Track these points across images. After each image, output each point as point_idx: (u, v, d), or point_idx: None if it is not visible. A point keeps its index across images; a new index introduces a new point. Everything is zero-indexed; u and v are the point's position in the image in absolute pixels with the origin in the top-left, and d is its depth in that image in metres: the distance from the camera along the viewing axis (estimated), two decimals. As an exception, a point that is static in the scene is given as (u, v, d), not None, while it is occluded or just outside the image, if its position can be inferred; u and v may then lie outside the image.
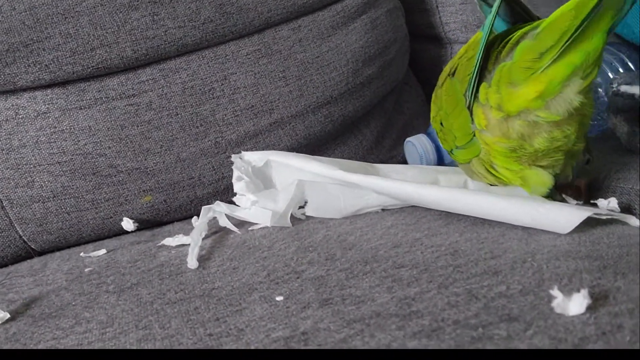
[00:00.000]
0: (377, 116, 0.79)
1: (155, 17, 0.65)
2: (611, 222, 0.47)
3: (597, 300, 0.33)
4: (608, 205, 0.55)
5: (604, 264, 0.38)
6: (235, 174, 0.60)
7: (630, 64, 0.76)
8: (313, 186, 0.56)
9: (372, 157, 0.79)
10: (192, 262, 0.51)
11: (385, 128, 0.80)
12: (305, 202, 0.57)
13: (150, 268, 0.53)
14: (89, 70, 0.64)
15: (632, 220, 0.46)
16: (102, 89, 0.65)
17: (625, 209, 0.59)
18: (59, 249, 0.65)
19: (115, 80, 0.65)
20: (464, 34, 0.87)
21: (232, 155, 0.62)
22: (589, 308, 0.32)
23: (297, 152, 0.72)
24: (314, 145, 0.74)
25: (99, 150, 0.65)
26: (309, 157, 0.60)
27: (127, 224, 0.65)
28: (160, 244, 0.58)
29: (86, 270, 0.54)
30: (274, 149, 0.70)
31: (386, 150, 0.80)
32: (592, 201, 0.57)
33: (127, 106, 0.65)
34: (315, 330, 0.35)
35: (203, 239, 0.57)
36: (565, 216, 0.43)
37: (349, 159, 0.77)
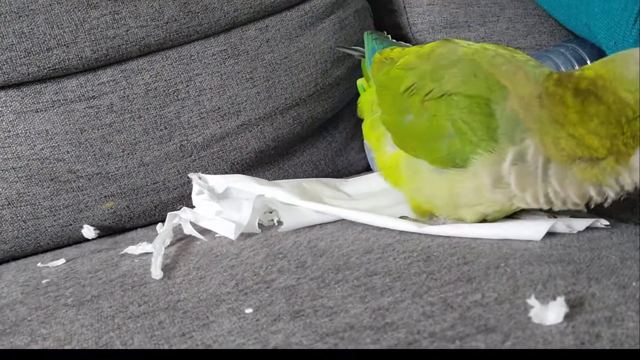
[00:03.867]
0: (346, 118, 0.78)
1: (116, 15, 0.62)
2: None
3: (574, 308, 0.33)
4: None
5: (577, 268, 0.38)
6: (196, 188, 0.58)
7: (589, 63, 0.77)
8: (283, 206, 0.55)
9: (341, 159, 0.78)
10: (156, 272, 0.49)
11: (355, 130, 0.79)
12: (272, 211, 0.56)
13: (112, 279, 0.50)
14: (45, 71, 0.61)
15: (601, 221, 0.46)
16: (60, 91, 0.62)
17: (592, 209, 0.59)
18: (15, 259, 0.62)
19: (73, 82, 0.62)
20: (431, 35, 0.86)
21: (190, 174, 0.60)
22: (566, 316, 0.32)
23: (266, 154, 0.71)
24: (282, 148, 0.72)
25: (56, 155, 0.62)
26: (272, 184, 0.59)
27: (88, 232, 0.62)
28: (122, 252, 0.55)
29: (43, 281, 0.52)
30: (242, 151, 0.69)
31: (355, 152, 0.79)
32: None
33: (86, 109, 0.62)
34: (286, 345, 0.34)
35: (168, 246, 0.55)
36: (532, 228, 0.43)
37: (319, 160, 0.76)
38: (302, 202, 0.55)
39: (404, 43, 0.60)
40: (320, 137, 0.76)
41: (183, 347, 0.36)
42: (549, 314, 0.31)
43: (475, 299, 0.35)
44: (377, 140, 0.53)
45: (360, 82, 0.64)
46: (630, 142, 0.39)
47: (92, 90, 0.63)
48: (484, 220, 0.47)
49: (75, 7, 0.61)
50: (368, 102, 0.56)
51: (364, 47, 0.63)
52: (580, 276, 0.37)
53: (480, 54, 0.46)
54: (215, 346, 0.35)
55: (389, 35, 0.66)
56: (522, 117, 0.41)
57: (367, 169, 0.80)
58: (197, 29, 0.66)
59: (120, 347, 0.37)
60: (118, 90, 0.63)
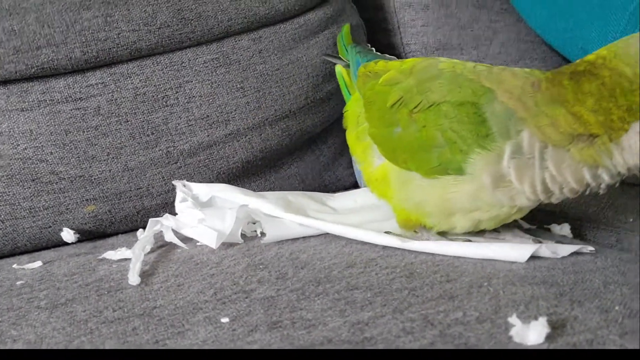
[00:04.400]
0: (335, 133, 0.78)
1: (108, 18, 0.62)
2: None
3: (555, 330, 0.32)
4: (561, 230, 0.55)
5: (560, 290, 0.37)
6: (179, 196, 0.58)
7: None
8: (267, 218, 0.54)
9: (328, 173, 0.78)
10: (133, 278, 0.48)
11: (344, 145, 0.79)
12: (256, 222, 0.55)
13: (88, 283, 0.49)
14: (33, 70, 0.60)
15: (587, 248, 0.46)
16: (47, 91, 0.61)
17: (577, 235, 0.59)
18: (-9, 259, 0.60)
19: (61, 82, 0.62)
20: (424, 56, 0.87)
21: (175, 181, 0.59)
22: (548, 337, 0.31)
23: (253, 165, 0.70)
24: (270, 159, 0.71)
25: (40, 156, 0.61)
26: (257, 195, 0.58)
27: (67, 235, 0.61)
28: (101, 257, 0.54)
29: (18, 283, 0.50)
30: (229, 161, 0.68)
31: (343, 167, 0.79)
32: (545, 226, 0.57)
33: (73, 110, 0.62)
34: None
35: (148, 253, 0.54)
36: (516, 251, 0.43)
37: (306, 174, 0.75)
38: (286, 215, 0.55)
39: (388, 56, 0.61)
40: (309, 150, 0.76)
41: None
42: (530, 333, 0.31)
43: (457, 317, 0.34)
44: (364, 152, 0.52)
45: (339, 68, 0.65)
46: (626, 117, 0.38)
47: (80, 92, 0.62)
48: (479, 232, 0.47)
49: (68, 8, 0.60)
50: (354, 114, 0.56)
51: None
52: (563, 298, 0.36)
53: (460, 66, 0.46)
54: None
55: (373, 48, 0.67)
56: (514, 110, 0.41)
57: (355, 185, 0.80)
58: (190, 36, 0.66)
59: (91, 352, 0.36)
60: (106, 93, 0.63)
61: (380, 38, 0.88)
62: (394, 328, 0.34)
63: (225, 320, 0.38)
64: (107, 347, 0.37)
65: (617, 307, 0.34)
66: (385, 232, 0.50)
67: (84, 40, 0.61)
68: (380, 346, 0.32)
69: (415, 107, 0.45)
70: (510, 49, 0.86)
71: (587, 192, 0.43)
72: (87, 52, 0.61)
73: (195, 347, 0.35)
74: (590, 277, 0.40)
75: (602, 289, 0.37)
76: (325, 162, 0.77)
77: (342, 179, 0.79)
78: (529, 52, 0.86)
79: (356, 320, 0.35)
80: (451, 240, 0.49)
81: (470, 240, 0.48)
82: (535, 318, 0.32)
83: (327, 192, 0.72)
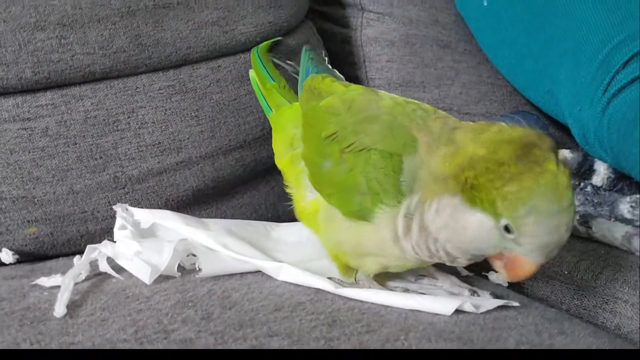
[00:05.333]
0: (293, 164, 0.79)
1: (62, 40, 0.62)
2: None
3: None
4: (497, 279, 0.56)
5: (472, 347, 0.38)
6: (119, 222, 0.57)
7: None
8: (205, 253, 0.54)
9: (282, 205, 0.77)
10: (59, 310, 0.47)
11: (300, 176, 0.79)
12: (195, 254, 0.55)
13: (14, 311, 0.48)
14: (-20, 88, 0.60)
15: (512, 303, 0.47)
16: (-5, 109, 0.61)
17: (514, 284, 0.60)
18: None
19: (10, 102, 0.61)
20: (387, 91, 0.88)
21: (115, 206, 0.58)
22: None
23: (204, 193, 0.70)
24: (222, 188, 0.71)
25: (-18, 174, 0.60)
26: (199, 224, 0.57)
27: (6, 256, 0.60)
28: (33, 282, 0.54)
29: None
30: (179, 189, 0.68)
31: (298, 199, 0.79)
32: (483, 273, 0.57)
33: (20, 130, 0.61)
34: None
35: (83, 281, 0.53)
36: (442, 304, 0.43)
37: (259, 204, 0.75)
38: (224, 250, 0.55)
39: (337, 72, 0.59)
40: (264, 180, 0.76)
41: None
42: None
43: (362, 374, 0.35)
44: (297, 180, 0.52)
45: (252, 74, 0.64)
46: (476, 184, 0.37)
47: (29, 112, 0.62)
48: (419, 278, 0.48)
49: (22, 28, 0.60)
50: (289, 133, 0.55)
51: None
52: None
53: (400, 107, 0.46)
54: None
55: (326, 58, 0.66)
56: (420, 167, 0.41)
57: (308, 216, 0.80)
58: (146, 62, 0.66)
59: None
60: (56, 115, 0.62)
61: (345, 70, 0.89)
62: (299, 383, 0.34)
63: (136, 363, 0.38)
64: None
65: (520, 372, 0.35)
66: (329, 278, 0.50)
67: (35, 61, 0.61)
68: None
69: (347, 147, 0.45)
70: (471, 90, 0.88)
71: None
72: (39, 72, 0.61)
73: (98, 392, 0.34)
74: (506, 335, 0.40)
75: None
76: (279, 193, 0.77)
77: (296, 210, 0.79)
78: (488, 94, 0.88)
79: (264, 372, 0.35)
80: (389, 289, 0.49)
81: (408, 290, 0.49)
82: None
83: (281, 222, 0.72)
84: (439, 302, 0.44)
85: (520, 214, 0.36)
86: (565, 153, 0.73)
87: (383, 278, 0.52)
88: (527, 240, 0.37)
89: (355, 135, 0.45)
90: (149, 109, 0.66)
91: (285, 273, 0.51)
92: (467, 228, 0.39)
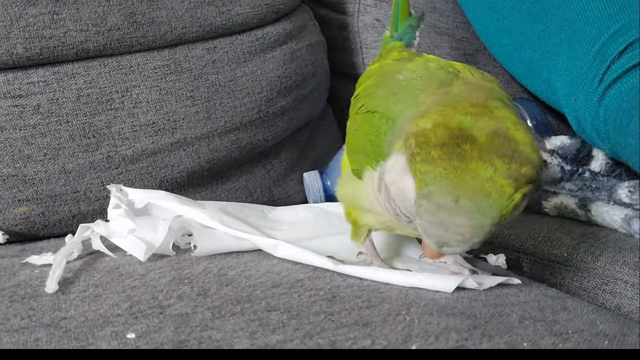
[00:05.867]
0: (289, 149, 0.78)
1: (55, 16, 0.60)
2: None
3: (457, 364, 0.32)
4: (496, 260, 0.55)
5: (475, 323, 0.37)
6: (113, 201, 0.56)
7: (529, 122, 0.79)
8: (200, 230, 0.53)
9: (278, 189, 0.77)
10: (50, 286, 0.46)
11: (296, 162, 0.78)
12: (190, 234, 0.54)
13: (4, 288, 0.47)
14: (-29, 63, 0.58)
15: (513, 280, 0.46)
16: (-15, 86, 0.59)
17: (514, 265, 0.59)
18: None
19: (1, 78, 0.60)
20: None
21: (109, 185, 0.57)
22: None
23: (199, 175, 0.69)
24: (217, 171, 0.70)
25: (-29, 152, 0.59)
26: (194, 204, 0.57)
27: (-5, 236, 0.59)
28: (24, 261, 0.52)
29: None
30: (173, 170, 0.67)
31: (294, 183, 0.78)
32: (481, 255, 0.57)
33: (11, 107, 0.60)
34: (157, 376, 0.32)
35: (75, 259, 0.52)
36: (442, 282, 0.43)
37: (254, 188, 0.74)
38: (221, 227, 0.54)
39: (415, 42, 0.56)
40: (259, 164, 0.75)
41: (50, 368, 0.33)
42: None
43: (364, 344, 0.34)
44: None
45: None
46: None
47: (20, 89, 0.60)
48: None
49: (13, 2, 0.59)
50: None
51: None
52: (475, 331, 0.36)
53: (424, 70, 0.44)
54: (84, 371, 0.33)
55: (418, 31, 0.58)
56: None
57: (304, 202, 0.79)
58: (141, 40, 0.65)
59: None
60: (48, 92, 0.61)
61: (342, 57, 0.89)
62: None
63: (131, 336, 0.37)
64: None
65: (525, 344, 0.34)
66: (328, 257, 0.49)
67: (27, 37, 0.59)
68: (280, 372, 0.31)
69: (359, 108, 0.46)
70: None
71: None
72: (30, 48, 0.60)
73: (92, 363, 0.33)
74: (509, 311, 0.40)
75: (517, 324, 0.37)
76: (275, 177, 0.76)
77: (292, 195, 0.78)
78: (486, 81, 0.87)
79: (263, 344, 0.34)
80: (391, 268, 0.48)
81: (410, 270, 0.48)
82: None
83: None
84: (440, 279, 0.44)
85: (421, 193, 0.35)
86: (563, 139, 0.73)
87: (386, 258, 0.51)
88: (419, 222, 0.37)
89: (367, 98, 0.46)
90: (144, 89, 0.65)
91: (283, 250, 0.50)
92: (404, 189, 0.38)
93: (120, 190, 0.58)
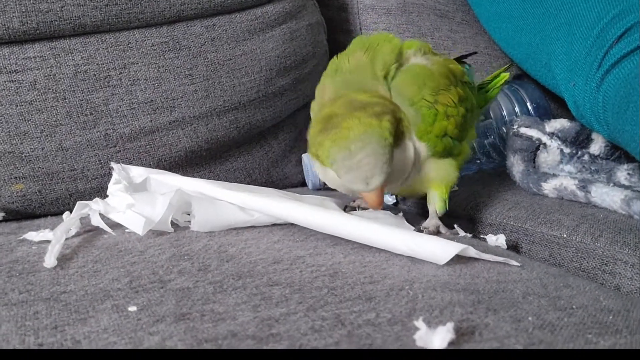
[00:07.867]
0: (287, 129, 0.77)
1: (51, -10, 0.59)
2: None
3: (463, 336, 0.32)
4: (496, 241, 0.55)
5: (479, 298, 0.37)
6: (114, 178, 0.55)
7: (529, 105, 0.79)
8: (199, 200, 0.52)
9: (276, 170, 0.76)
10: (49, 261, 0.45)
11: (294, 142, 0.78)
12: (189, 213, 0.53)
13: (2, 263, 0.46)
14: (-34, 36, 0.57)
15: (512, 262, 0.46)
16: (-20, 60, 0.58)
17: (513, 246, 0.59)
18: None
19: (-4, 52, 0.59)
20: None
21: (113, 163, 0.57)
22: (452, 343, 0.30)
23: (197, 155, 0.68)
24: (216, 150, 0.70)
25: (-33, 127, 0.58)
26: (193, 179, 0.56)
27: (-9, 213, 0.58)
28: (21, 237, 0.52)
29: None
30: (172, 149, 0.66)
31: (292, 165, 0.77)
32: (481, 236, 0.56)
33: (7, 82, 0.59)
34: (160, 347, 0.31)
35: (73, 236, 0.51)
36: (442, 247, 0.42)
37: (253, 168, 0.74)
38: (220, 191, 0.53)
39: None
40: (258, 145, 0.74)
41: (51, 340, 0.33)
42: (435, 338, 0.30)
43: (369, 317, 0.34)
44: None
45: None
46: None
47: (16, 64, 0.59)
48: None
49: (9, -25, 0.58)
50: None
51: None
52: (479, 306, 0.36)
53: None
54: (85, 342, 0.32)
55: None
56: None
57: (303, 183, 0.79)
58: (139, 16, 0.64)
59: (-19, 334, 0.34)
60: (44, 68, 0.60)
61: (341, 38, 0.88)
62: (303, 326, 0.33)
63: (132, 309, 0.36)
64: (3, 331, 0.35)
65: (530, 318, 0.34)
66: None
67: (24, 10, 0.58)
68: (285, 343, 0.31)
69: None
70: (468, 61, 0.87)
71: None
72: (27, 22, 0.59)
73: (92, 335, 0.33)
74: (512, 287, 0.39)
75: (520, 300, 0.37)
76: (273, 158, 0.76)
77: (290, 176, 0.77)
78: (485, 65, 0.87)
79: (267, 316, 0.34)
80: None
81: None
82: (444, 324, 0.31)
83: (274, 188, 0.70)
84: (440, 244, 0.43)
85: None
86: (562, 122, 0.73)
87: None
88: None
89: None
90: (142, 65, 0.64)
91: (288, 211, 0.49)
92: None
93: (122, 168, 0.57)
